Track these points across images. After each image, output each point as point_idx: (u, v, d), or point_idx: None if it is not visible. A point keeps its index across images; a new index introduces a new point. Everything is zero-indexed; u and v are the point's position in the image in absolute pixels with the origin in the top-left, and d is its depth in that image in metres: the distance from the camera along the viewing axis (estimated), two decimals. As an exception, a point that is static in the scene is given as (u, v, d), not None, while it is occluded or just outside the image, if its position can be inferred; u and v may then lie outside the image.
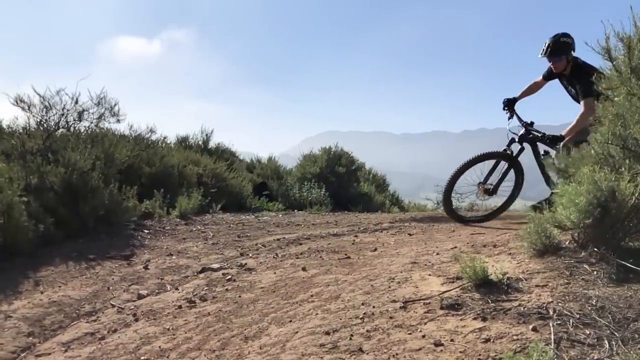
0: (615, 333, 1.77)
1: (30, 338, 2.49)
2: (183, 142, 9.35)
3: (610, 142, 2.81)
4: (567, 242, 2.69)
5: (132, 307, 2.78)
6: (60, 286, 3.14)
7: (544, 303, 2.06)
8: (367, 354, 1.88)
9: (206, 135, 9.58)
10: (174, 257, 3.75)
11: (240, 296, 2.83)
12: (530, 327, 1.87)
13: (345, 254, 3.63)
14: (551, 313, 1.96)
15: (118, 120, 5.98)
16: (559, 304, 2.03)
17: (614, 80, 2.85)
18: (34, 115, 5.72)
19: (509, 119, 5.02)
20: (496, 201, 5.37)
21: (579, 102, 4.72)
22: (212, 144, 9.68)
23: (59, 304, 2.86)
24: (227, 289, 2.97)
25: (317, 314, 2.40)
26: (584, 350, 1.68)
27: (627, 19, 2.79)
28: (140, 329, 2.46)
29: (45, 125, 5.70)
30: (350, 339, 2.02)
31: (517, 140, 4.97)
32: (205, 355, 2.10)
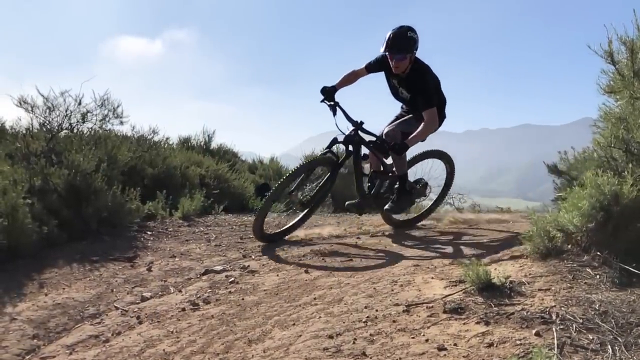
0: (619, 338, 1.78)
1: (35, 340, 2.50)
2: (185, 143, 9.35)
3: (613, 145, 2.82)
4: (569, 246, 2.69)
5: (136, 310, 2.79)
6: (64, 288, 3.16)
7: (547, 307, 2.07)
8: (370, 358, 1.89)
9: (208, 136, 9.59)
10: (176, 259, 3.76)
11: (243, 299, 2.84)
12: (534, 331, 1.88)
13: (348, 257, 3.64)
14: (554, 317, 1.96)
15: (121, 122, 5.99)
16: (562, 309, 2.04)
17: (617, 84, 2.85)
18: (37, 117, 5.75)
19: (334, 114, 4.09)
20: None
21: (410, 106, 4.21)
22: (214, 145, 9.69)
23: (63, 306, 2.88)
24: (230, 292, 2.98)
25: (320, 317, 2.41)
26: (587, 355, 1.69)
27: (630, 22, 2.80)
28: (144, 332, 2.47)
29: (48, 126, 5.72)
30: (354, 342, 2.03)
31: (342, 141, 4.12)
32: (209, 359, 2.12)
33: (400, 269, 3.11)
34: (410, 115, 4.24)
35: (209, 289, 3.07)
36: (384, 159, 4.37)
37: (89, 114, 5.92)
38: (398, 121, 4.27)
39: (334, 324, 2.26)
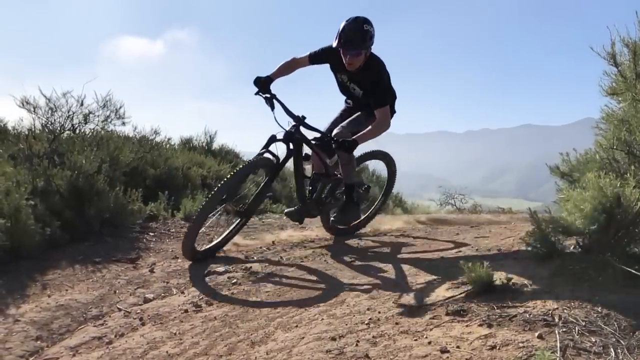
0: (621, 341, 1.78)
1: (38, 342, 2.51)
2: (187, 143, 9.37)
3: (615, 147, 2.82)
4: (572, 248, 2.70)
5: (139, 311, 2.80)
6: (67, 289, 3.17)
7: (549, 310, 2.07)
8: (373, 360, 1.89)
9: (210, 136, 9.60)
10: (179, 260, 3.76)
11: (246, 300, 2.84)
12: (536, 334, 1.89)
13: (350, 258, 3.65)
14: (557, 320, 1.97)
15: (123, 123, 6.01)
16: (565, 311, 2.04)
17: (619, 86, 2.86)
18: (39, 117, 5.77)
19: (271, 108, 3.64)
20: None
21: (360, 103, 3.87)
22: (215, 145, 9.70)
23: (66, 307, 2.88)
24: (232, 293, 2.98)
25: (322, 319, 2.41)
26: (589, 358, 1.70)
27: (632, 24, 2.81)
28: (147, 334, 2.47)
29: (50, 127, 5.74)
30: (357, 345, 2.04)
31: (282, 139, 3.64)
32: (212, 361, 2.12)
33: (402, 270, 3.12)
34: (359, 113, 3.90)
35: (211, 290, 3.08)
36: (326, 160, 3.96)
37: (91, 115, 5.94)
38: (347, 121, 3.88)
39: (336, 326, 2.26)
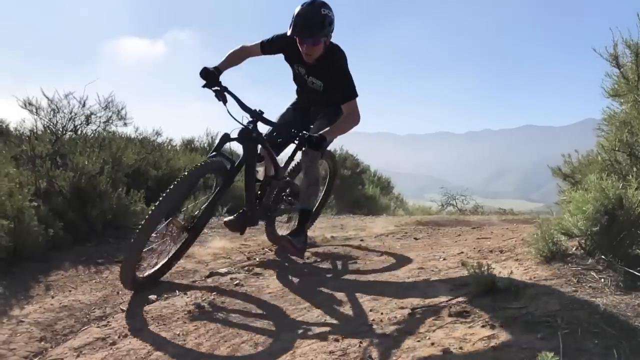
0: (624, 342, 1.79)
1: (42, 343, 2.52)
2: (189, 144, 9.40)
3: (617, 149, 2.83)
4: (574, 249, 2.70)
5: (142, 312, 2.81)
6: (70, 290, 3.18)
7: (551, 311, 2.08)
8: (376, 361, 1.90)
9: (211, 137, 9.63)
10: (181, 261, 3.76)
11: (248, 301, 2.85)
12: (539, 335, 1.89)
13: (352, 258, 3.65)
14: (559, 321, 1.97)
15: (125, 124, 6.04)
16: (567, 312, 2.05)
17: (621, 87, 2.86)
18: (41, 119, 5.79)
19: (224, 102, 3.19)
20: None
21: (320, 98, 3.47)
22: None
23: (69, 308, 2.89)
24: (235, 294, 2.99)
25: (325, 320, 2.42)
26: (592, 359, 1.70)
27: (634, 26, 2.82)
28: (151, 335, 2.48)
29: (53, 128, 5.76)
30: (360, 346, 2.04)
31: (237, 138, 3.20)
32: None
33: (404, 271, 3.12)
34: (325, 112, 3.50)
35: (214, 291, 3.08)
36: (276, 161, 3.58)
37: (93, 116, 5.97)
38: (316, 124, 3.49)
39: (339, 327, 2.27)
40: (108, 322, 2.71)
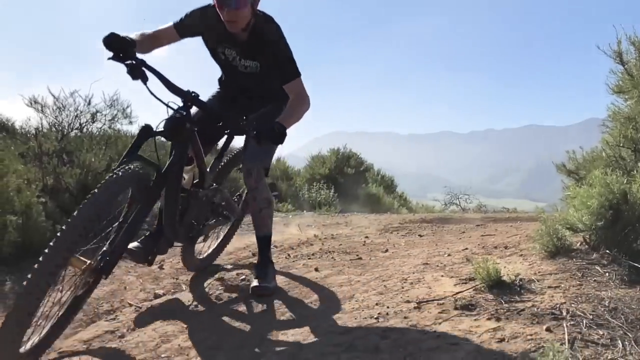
0: (629, 334, 1.81)
1: (52, 336, 2.54)
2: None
3: (621, 144, 2.85)
4: (578, 244, 2.72)
5: (149, 307, 2.83)
6: (77, 285, 3.21)
7: (557, 304, 2.10)
8: (383, 352, 1.92)
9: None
10: (187, 257, 3.80)
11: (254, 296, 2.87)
12: (544, 327, 1.91)
13: (357, 255, 3.68)
14: (564, 314, 1.99)
15: (130, 122, 6.08)
16: (572, 305, 2.07)
17: (626, 84, 2.88)
18: (47, 117, 5.84)
19: (143, 80, 2.29)
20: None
21: (258, 80, 2.77)
22: (220, 144, 9.76)
23: (77, 302, 2.92)
24: (241, 289, 3.02)
25: (331, 314, 2.44)
26: (597, 350, 1.72)
27: (638, 22, 2.83)
28: (159, 328, 2.51)
29: (58, 126, 5.81)
30: (366, 338, 2.07)
31: (164, 132, 2.33)
32: (224, 355, 2.15)
33: (409, 267, 3.14)
34: (272, 105, 2.88)
35: (220, 286, 3.11)
36: (204, 164, 2.80)
37: (98, 114, 6.02)
38: (260, 114, 2.87)
39: (345, 321, 2.30)
40: (116, 315, 2.74)
